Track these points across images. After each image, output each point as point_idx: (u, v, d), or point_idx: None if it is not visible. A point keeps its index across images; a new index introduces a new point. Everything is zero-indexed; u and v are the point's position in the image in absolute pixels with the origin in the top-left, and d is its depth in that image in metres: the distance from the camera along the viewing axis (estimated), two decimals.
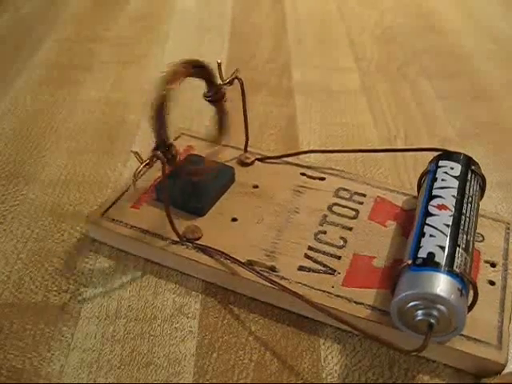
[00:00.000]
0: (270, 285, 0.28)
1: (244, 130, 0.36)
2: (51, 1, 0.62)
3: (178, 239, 0.31)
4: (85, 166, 0.38)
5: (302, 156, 0.37)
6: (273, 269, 0.29)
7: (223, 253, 0.30)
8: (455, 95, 0.48)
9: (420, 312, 0.25)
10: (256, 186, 0.35)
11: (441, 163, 0.33)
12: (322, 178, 0.35)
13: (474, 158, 0.33)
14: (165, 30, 0.57)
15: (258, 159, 0.37)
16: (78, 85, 0.47)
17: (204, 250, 0.30)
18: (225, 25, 0.58)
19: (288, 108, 0.44)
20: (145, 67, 0.50)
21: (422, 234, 0.28)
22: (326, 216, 0.33)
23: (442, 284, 0.25)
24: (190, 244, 0.31)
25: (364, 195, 0.35)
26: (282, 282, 0.28)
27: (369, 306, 0.28)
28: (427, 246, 0.27)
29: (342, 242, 0.31)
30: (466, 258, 0.27)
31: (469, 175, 0.32)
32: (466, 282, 0.26)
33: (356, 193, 0.35)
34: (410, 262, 0.27)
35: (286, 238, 0.31)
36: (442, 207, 0.30)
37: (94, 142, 0.41)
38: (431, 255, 0.27)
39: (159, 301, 0.29)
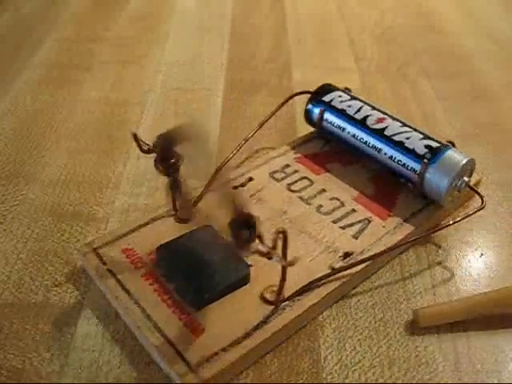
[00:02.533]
0: (366, 264, 0.29)
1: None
2: (51, 1, 0.62)
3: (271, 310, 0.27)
4: (85, 165, 0.38)
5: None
6: (347, 254, 0.30)
7: (313, 281, 0.28)
8: (455, 95, 0.48)
9: (459, 182, 0.32)
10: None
11: (325, 98, 0.37)
12: (251, 179, 0.35)
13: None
14: (165, 30, 0.57)
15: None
16: (78, 85, 0.47)
17: (299, 293, 0.28)
18: (225, 25, 0.58)
19: (288, 108, 0.44)
20: (145, 67, 0.50)
21: (401, 143, 0.33)
22: (300, 197, 0.34)
23: (457, 155, 0.32)
24: (288, 301, 0.28)
25: (288, 165, 0.36)
26: (366, 254, 0.30)
27: (414, 212, 0.33)
28: (417, 145, 0.33)
29: (337, 202, 0.34)
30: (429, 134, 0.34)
31: (349, 92, 0.38)
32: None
33: (282, 167, 0.36)
34: (425, 160, 0.32)
35: (312, 232, 0.32)
36: (380, 120, 0.35)
37: (94, 141, 0.41)
38: (429, 147, 0.33)
39: None
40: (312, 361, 0.27)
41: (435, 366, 0.26)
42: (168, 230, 0.31)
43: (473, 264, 0.32)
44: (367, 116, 0.35)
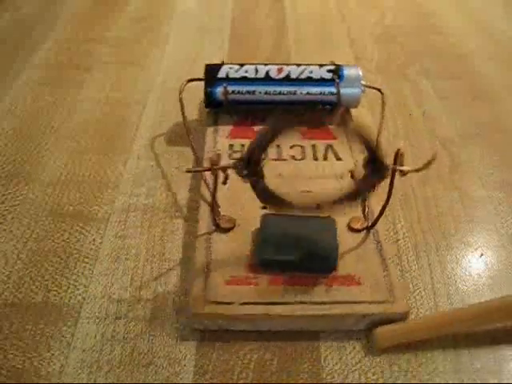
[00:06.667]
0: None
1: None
2: (51, 1, 0.62)
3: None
4: (85, 165, 0.38)
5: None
6: (352, 171, 0.30)
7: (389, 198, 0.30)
8: (456, 95, 0.48)
9: (362, 86, 0.40)
10: (264, 207, 0.30)
11: (220, 75, 0.39)
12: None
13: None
14: (165, 31, 0.57)
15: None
16: (77, 85, 0.47)
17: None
18: (225, 25, 0.58)
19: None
20: (145, 67, 0.50)
21: (310, 78, 0.39)
22: (274, 159, 0.36)
23: (352, 68, 0.40)
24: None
25: (232, 144, 0.37)
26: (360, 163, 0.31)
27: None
28: (321, 74, 0.39)
29: (298, 148, 0.36)
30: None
31: (229, 63, 0.41)
32: None
33: (230, 148, 0.37)
34: (337, 81, 0.39)
35: (313, 176, 0.34)
36: (279, 70, 0.39)
37: (94, 141, 0.41)
38: (330, 71, 0.40)
39: (160, 301, 0.29)
40: (312, 361, 0.27)
41: (435, 365, 0.26)
42: (229, 243, 0.30)
43: (473, 264, 0.32)
44: (267, 72, 0.39)
